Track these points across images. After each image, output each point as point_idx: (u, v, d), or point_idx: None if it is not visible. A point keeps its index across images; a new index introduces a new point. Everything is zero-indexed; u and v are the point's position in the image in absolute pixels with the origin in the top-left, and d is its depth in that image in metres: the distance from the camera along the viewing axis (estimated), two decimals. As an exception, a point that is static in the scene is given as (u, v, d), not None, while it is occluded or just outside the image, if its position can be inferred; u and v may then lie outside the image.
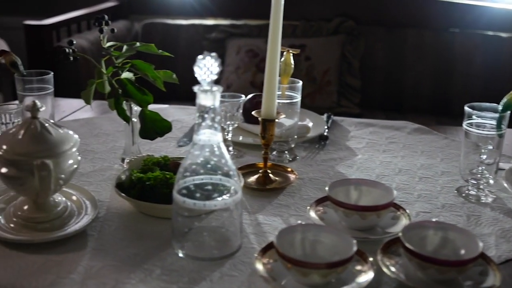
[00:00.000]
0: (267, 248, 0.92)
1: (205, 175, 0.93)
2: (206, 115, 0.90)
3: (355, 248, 0.86)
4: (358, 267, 0.88)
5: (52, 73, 1.40)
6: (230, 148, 1.38)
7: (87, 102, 1.24)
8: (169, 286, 0.86)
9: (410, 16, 2.86)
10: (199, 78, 0.89)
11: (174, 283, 0.87)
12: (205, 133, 0.91)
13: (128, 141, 1.30)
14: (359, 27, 2.84)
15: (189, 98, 2.79)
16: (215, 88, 0.89)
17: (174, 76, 1.30)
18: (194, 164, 0.93)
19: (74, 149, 1.01)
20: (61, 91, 1.71)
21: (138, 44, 1.29)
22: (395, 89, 2.87)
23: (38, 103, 1.01)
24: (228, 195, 0.93)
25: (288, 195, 1.18)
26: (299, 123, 1.43)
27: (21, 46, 3.57)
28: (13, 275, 0.88)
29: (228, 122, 1.35)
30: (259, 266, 0.88)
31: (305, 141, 1.47)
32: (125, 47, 1.27)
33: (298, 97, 1.36)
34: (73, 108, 1.78)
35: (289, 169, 1.27)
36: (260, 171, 1.24)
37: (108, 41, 1.26)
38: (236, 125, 1.37)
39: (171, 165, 1.15)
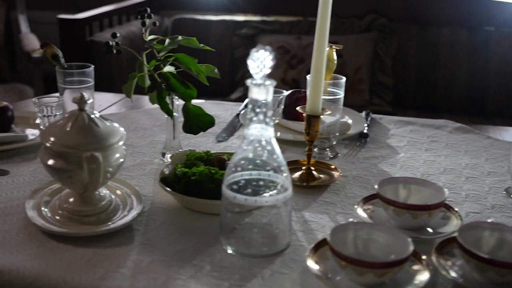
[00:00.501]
0: (318, 246, 0.90)
1: (256, 170, 0.91)
2: (258, 110, 0.88)
3: (411, 248, 0.83)
4: (415, 267, 0.86)
5: (93, 66, 1.39)
6: (271, 144, 1.36)
7: (128, 95, 1.23)
8: (220, 283, 0.85)
9: (444, 14, 2.82)
10: (252, 72, 0.87)
11: (226, 280, 0.85)
12: (256, 127, 0.90)
13: (169, 136, 1.29)
14: (391, 25, 2.81)
15: (219, 94, 2.78)
16: (268, 82, 0.87)
17: (216, 70, 1.28)
18: (245, 159, 0.91)
19: (120, 143, 1.00)
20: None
21: (180, 37, 1.28)
22: (428, 88, 2.83)
23: (86, 95, 1.00)
24: (278, 191, 0.91)
25: (332, 192, 1.16)
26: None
27: (51, 40, 3.58)
28: (62, 268, 0.87)
29: (269, 118, 1.34)
30: (312, 264, 0.86)
31: (345, 139, 1.45)
32: (167, 40, 1.26)
33: (341, 94, 1.33)
34: (109, 102, 1.77)
35: (332, 167, 1.25)
36: (304, 167, 1.23)
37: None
38: (276, 121, 1.35)
39: (214, 160, 1.14)
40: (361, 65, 2.71)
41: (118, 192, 1.08)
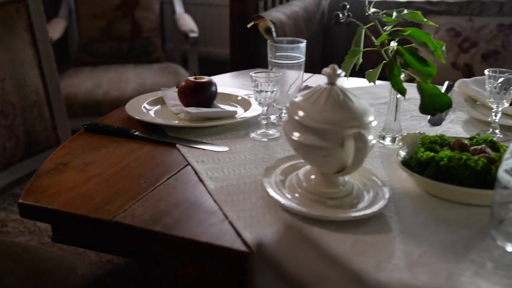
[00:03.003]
0: None
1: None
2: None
3: None
4: None
5: (305, 41, 1.32)
6: (497, 131, 1.23)
7: (346, 73, 1.16)
8: (514, 284, 0.75)
9: None
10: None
11: (518, 281, 0.75)
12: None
13: (389, 117, 1.20)
14: None
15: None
16: None
17: (444, 47, 1.17)
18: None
19: (374, 122, 0.91)
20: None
21: (405, 11, 1.18)
22: None
23: (337, 68, 0.92)
24: None
25: None
26: None
27: (202, 21, 3.63)
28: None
29: (496, 101, 1.21)
30: None
31: None
32: (394, 13, 1.17)
33: None
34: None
35: None
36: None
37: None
38: (506, 105, 1.22)
39: (455, 145, 1.03)
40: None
41: (356, 176, 1.00)
